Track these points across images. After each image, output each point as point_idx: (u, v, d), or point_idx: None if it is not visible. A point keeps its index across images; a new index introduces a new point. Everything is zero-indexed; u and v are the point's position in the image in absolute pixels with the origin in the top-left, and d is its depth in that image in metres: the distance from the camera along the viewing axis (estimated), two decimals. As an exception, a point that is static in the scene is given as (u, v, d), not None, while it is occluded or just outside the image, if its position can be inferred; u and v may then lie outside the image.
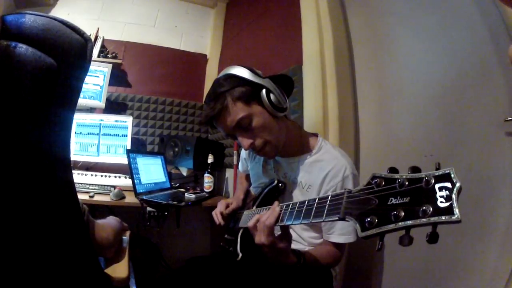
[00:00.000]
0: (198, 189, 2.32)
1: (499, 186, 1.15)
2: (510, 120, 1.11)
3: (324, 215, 0.67)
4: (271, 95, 1.05)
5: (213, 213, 1.32)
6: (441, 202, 0.45)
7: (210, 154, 2.28)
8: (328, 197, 0.68)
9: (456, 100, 1.30)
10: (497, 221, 1.14)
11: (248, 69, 1.07)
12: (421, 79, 1.45)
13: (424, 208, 0.46)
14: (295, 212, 0.79)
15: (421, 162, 1.36)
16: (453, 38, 1.33)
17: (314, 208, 0.72)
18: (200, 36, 3.32)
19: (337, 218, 0.62)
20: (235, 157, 2.39)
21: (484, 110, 1.21)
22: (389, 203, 0.51)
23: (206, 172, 2.27)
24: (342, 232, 1.07)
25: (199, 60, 3.24)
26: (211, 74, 3.14)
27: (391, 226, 0.49)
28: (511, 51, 0.63)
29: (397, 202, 0.50)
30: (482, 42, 1.23)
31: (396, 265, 1.48)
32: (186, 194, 2.12)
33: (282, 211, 0.85)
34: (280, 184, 1.15)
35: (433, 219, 0.44)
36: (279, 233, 0.89)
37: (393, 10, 1.62)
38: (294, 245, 1.15)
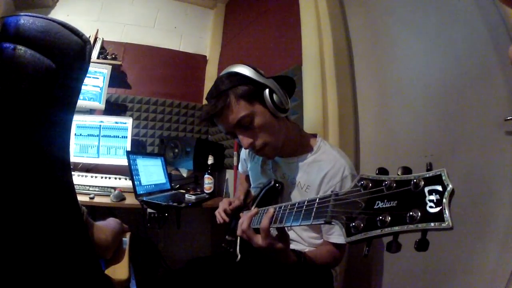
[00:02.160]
0: (198, 190, 2.32)
1: (499, 186, 1.14)
2: (510, 119, 1.11)
3: (312, 218, 0.66)
4: (274, 96, 1.05)
5: (216, 212, 1.30)
6: (430, 207, 0.42)
7: (210, 155, 2.28)
8: (316, 199, 0.67)
9: (456, 99, 1.30)
10: (497, 221, 1.14)
11: (252, 68, 1.07)
12: (421, 79, 1.45)
13: (411, 213, 0.43)
14: (286, 214, 0.79)
15: (421, 162, 1.36)
16: (452, 38, 1.33)
17: (303, 211, 0.71)
18: (199, 37, 3.32)
19: (323, 222, 0.61)
20: (235, 158, 2.39)
21: (484, 109, 1.21)
22: (375, 207, 0.49)
23: (206, 173, 2.27)
24: (342, 232, 1.07)
25: (198, 61, 3.24)
26: (211, 75, 3.15)
27: (377, 231, 0.47)
28: (511, 52, 0.63)
29: (383, 206, 0.48)
30: (482, 42, 1.23)
31: (396, 266, 1.48)
32: (186, 195, 2.12)
33: (275, 212, 0.85)
34: (277, 185, 1.15)
35: (421, 225, 0.42)
36: (276, 233, 0.90)
37: (392, 10, 1.62)
38: (294, 246, 1.15)
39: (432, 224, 0.41)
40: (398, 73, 1.57)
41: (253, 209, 0.88)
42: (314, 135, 1.24)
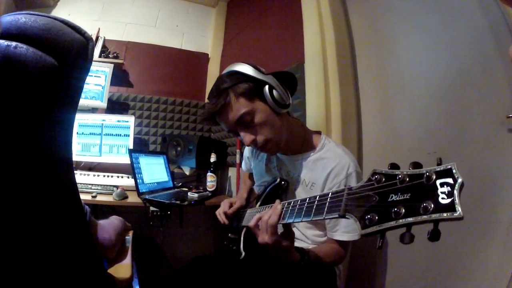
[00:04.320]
0: (201, 188, 2.32)
1: (501, 184, 1.14)
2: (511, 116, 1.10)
3: (325, 212, 0.66)
4: (274, 92, 1.05)
5: (217, 213, 1.31)
6: (442, 198, 0.44)
7: (212, 153, 2.28)
8: (328, 194, 0.67)
9: (458, 97, 1.30)
10: (499, 220, 1.13)
11: (252, 66, 1.07)
12: (423, 77, 1.45)
13: (425, 204, 0.45)
14: (296, 210, 0.79)
15: (424, 160, 1.35)
16: (454, 36, 1.32)
17: (315, 206, 0.71)
18: (201, 35, 3.32)
19: (337, 216, 0.62)
20: (237, 156, 2.39)
21: (486, 107, 1.20)
22: (389, 199, 0.50)
23: (209, 171, 2.27)
24: (346, 230, 1.07)
25: (200, 59, 3.24)
26: (213, 73, 3.15)
27: (392, 223, 0.48)
28: None
29: (397, 198, 0.49)
30: (483, 40, 1.22)
31: (398, 264, 1.48)
32: (189, 193, 2.12)
33: (284, 209, 0.85)
34: (282, 182, 1.15)
35: (434, 216, 0.44)
36: (282, 231, 0.89)
37: (394, 8, 1.62)
38: (297, 244, 1.15)
39: (445, 214, 0.43)
40: (401, 71, 1.56)
41: (279, 206, 0.87)
42: (318, 133, 1.24)
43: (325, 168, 1.11)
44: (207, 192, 2.23)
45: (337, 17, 1.78)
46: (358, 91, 1.75)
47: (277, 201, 0.89)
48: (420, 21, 1.47)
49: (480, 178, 1.18)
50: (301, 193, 1.16)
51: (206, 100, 2.20)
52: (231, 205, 1.31)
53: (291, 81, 1.17)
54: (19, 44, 0.50)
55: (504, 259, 1.11)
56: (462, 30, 1.30)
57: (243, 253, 1.11)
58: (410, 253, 1.39)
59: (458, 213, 0.42)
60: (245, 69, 1.06)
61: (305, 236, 1.19)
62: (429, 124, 1.40)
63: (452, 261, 1.26)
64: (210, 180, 2.26)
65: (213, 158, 2.27)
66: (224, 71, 1.11)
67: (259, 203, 1.17)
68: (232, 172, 2.63)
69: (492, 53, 1.20)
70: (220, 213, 1.29)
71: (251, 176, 1.51)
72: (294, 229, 1.16)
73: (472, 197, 1.15)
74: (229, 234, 1.26)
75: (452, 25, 1.34)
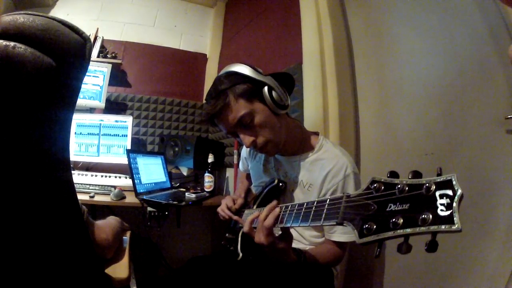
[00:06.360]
0: (199, 188, 2.32)
1: (499, 184, 1.14)
2: (510, 118, 1.10)
3: (322, 219, 0.66)
4: (273, 92, 1.05)
5: (219, 209, 1.30)
6: (441, 210, 0.44)
7: (210, 154, 2.28)
8: (326, 200, 0.67)
9: (457, 98, 1.30)
10: (498, 220, 1.14)
11: (250, 67, 1.06)
12: (422, 78, 1.45)
13: (423, 216, 0.45)
14: (293, 214, 0.79)
15: (422, 161, 1.37)
16: (453, 36, 1.33)
17: (312, 211, 0.71)
18: (199, 35, 3.32)
19: (335, 223, 0.61)
20: (235, 156, 2.39)
21: (485, 108, 1.21)
22: (388, 209, 0.50)
23: (207, 171, 2.27)
24: (344, 231, 1.07)
25: (198, 60, 3.24)
26: (211, 73, 3.15)
27: (390, 233, 0.48)
28: (511, 51, 0.63)
29: (396, 208, 0.49)
30: (482, 41, 1.23)
31: (396, 265, 1.48)
32: (186, 194, 2.12)
33: (281, 212, 0.84)
34: (280, 184, 1.15)
35: (432, 227, 0.44)
36: (280, 233, 0.89)
37: (393, 9, 1.62)
38: (295, 245, 1.14)
39: (443, 226, 0.43)
40: (399, 72, 1.57)
41: (277, 209, 0.87)
42: (316, 133, 1.24)
43: (323, 169, 1.11)
44: (205, 192, 2.22)
45: (335, 17, 1.78)
46: (356, 91, 1.76)
47: (275, 201, 0.89)
48: (419, 21, 1.48)
49: (479, 179, 1.18)
50: (298, 194, 1.16)
51: (204, 101, 2.20)
52: (234, 202, 1.30)
53: (289, 82, 1.17)
54: (18, 44, 0.50)
55: (503, 259, 1.11)
56: (461, 31, 1.30)
57: (240, 254, 1.11)
58: (409, 254, 1.39)
59: (456, 226, 0.42)
60: (243, 69, 1.05)
61: (303, 237, 1.19)
62: (428, 125, 1.40)
63: (451, 261, 1.26)
64: (208, 180, 2.25)
65: (210, 159, 2.26)
66: (222, 72, 1.10)
67: (256, 204, 1.17)
68: (229, 172, 2.63)
69: (491, 53, 1.20)
70: (223, 209, 1.28)
71: (248, 176, 1.51)
72: (291, 231, 1.16)
73: (471, 197, 1.15)
74: (227, 234, 1.26)
75: (450, 25, 1.34)
